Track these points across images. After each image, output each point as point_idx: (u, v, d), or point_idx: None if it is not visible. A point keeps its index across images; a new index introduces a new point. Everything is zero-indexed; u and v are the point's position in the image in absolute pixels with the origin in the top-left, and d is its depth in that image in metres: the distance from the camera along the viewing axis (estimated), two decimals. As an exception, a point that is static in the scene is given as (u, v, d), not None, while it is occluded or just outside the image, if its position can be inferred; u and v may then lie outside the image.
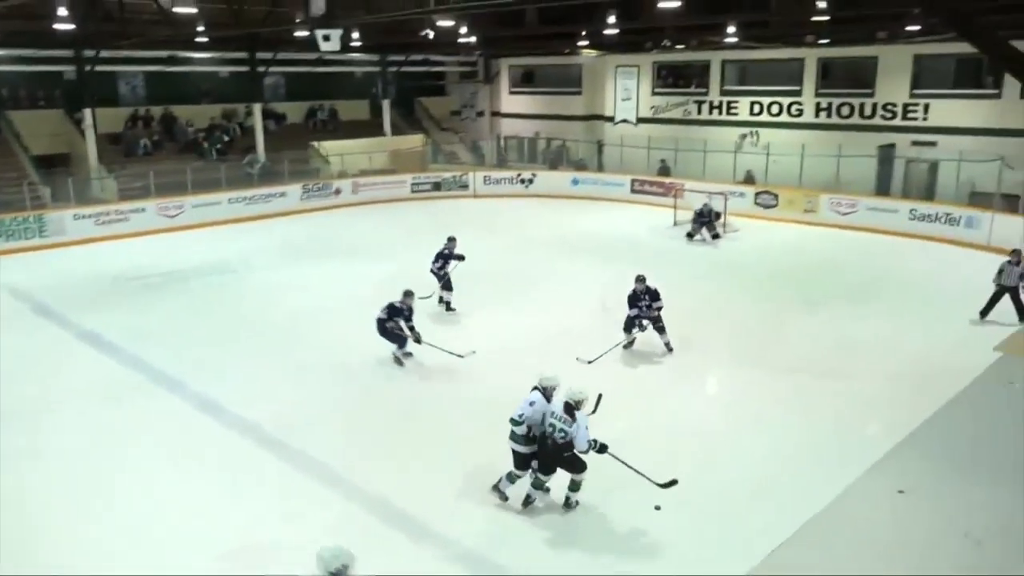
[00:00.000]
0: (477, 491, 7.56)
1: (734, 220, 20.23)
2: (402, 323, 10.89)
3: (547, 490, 7.36)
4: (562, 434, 6.90)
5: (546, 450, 7.04)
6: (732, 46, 23.27)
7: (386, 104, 28.83)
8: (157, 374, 10.75)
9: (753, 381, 10.43)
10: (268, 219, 22.12)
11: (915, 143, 21.38)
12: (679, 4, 15.13)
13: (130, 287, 15.46)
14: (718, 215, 19.23)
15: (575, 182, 25.77)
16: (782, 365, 10.85)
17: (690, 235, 19.15)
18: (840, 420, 9.07)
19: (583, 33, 22.88)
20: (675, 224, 20.48)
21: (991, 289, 12.55)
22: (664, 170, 25.04)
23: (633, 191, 24.57)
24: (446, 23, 18.79)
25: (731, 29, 19.38)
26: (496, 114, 31.91)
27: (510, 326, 12.68)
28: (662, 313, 11.36)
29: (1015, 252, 12.48)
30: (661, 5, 15.11)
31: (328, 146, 26.45)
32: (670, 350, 11.44)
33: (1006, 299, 12.35)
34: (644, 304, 11.29)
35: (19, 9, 15.15)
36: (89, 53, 21.32)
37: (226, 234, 20.22)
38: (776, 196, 21.81)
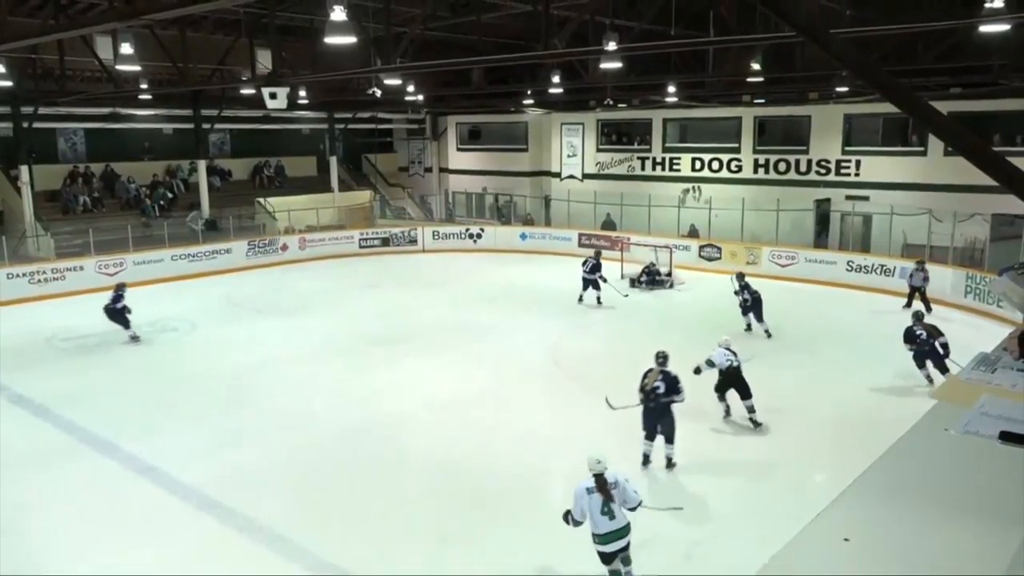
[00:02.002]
0: (420, 551, 7.39)
1: (679, 272, 20.61)
2: None
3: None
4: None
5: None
6: (673, 105, 24.05)
7: (333, 160, 28.89)
8: (91, 437, 10.33)
9: (696, 430, 10.50)
10: (213, 276, 21.73)
11: (849, 197, 22.23)
12: (620, 65, 15.60)
13: (65, 348, 14.95)
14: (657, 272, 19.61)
15: (523, 237, 26.03)
16: (724, 414, 10.98)
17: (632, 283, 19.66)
18: (782, 469, 9.20)
19: (528, 92, 23.39)
20: (622, 277, 20.75)
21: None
22: (609, 224, 25.47)
23: (580, 245, 24.89)
24: (393, 82, 19.01)
25: (671, 89, 20.04)
26: (444, 170, 32.22)
27: (454, 380, 12.61)
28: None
29: (919, 261, 16.83)
30: (603, 66, 15.55)
31: (275, 202, 26.27)
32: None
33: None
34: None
35: (-46, 65, 14.88)
36: (27, 110, 20.95)
37: (169, 292, 19.76)
38: (719, 249, 22.33)
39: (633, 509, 6.41)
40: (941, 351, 11.55)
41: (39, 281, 19.19)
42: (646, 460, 9.31)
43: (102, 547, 7.59)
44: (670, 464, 9.26)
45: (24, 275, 19.05)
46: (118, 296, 15.26)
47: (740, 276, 15.54)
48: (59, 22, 15.16)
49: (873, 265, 19.60)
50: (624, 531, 6.35)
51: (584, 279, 17.94)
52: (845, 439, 9.72)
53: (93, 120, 23.95)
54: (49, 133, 24.31)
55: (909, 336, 12.15)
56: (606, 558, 6.36)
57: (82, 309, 17.95)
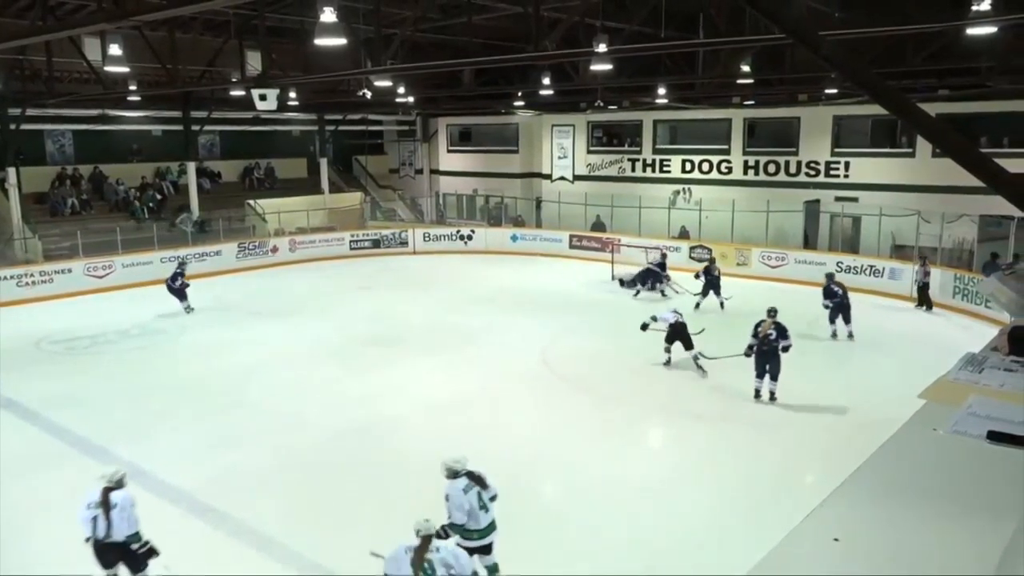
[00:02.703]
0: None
1: (670, 274, 20.61)
2: None
3: None
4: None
5: None
6: (663, 106, 24.09)
7: (324, 162, 28.81)
8: (81, 441, 10.27)
9: (686, 432, 10.57)
10: (203, 278, 21.60)
11: (838, 199, 22.33)
12: (611, 67, 15.64)
13: (54, 351, 14.85)
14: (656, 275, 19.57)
15: (514, 238, 26.04)
16: (714, 415, 11.02)
17: (631, 285, 19.60)
18: (779, 470, 9.24)
19: (519, 94, 23.41)
20: (613, 279, 20.77)
21: (917, 337, 14.45)
22: (599, 226, 25.51)
23: (571, 247, 24.92)
24: (383, 83, 18.99)
25: (661, 90, 20.10)
26: (435, 172, 32.18)
27: (446, 382, 12.60)
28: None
29: (922, 258, 17.38)
30: (594, 67, 15.58)
31: (265, 204, 26.18)
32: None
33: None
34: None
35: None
36: (14, 111, 20.81)
37: (158, 294, 19.65)
38: (710, 250, 22.38)
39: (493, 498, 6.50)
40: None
41: (27, 284, 19.07)
42: (757, 394, 11.47)
43: (88, 552, 7.53)
44: (772, 397, 11.37)
45: (12, 278, 18.93)
46: (176, 274, 17.59)
47: (830, 276, 15.79)
48: (47, 23, 15.06)
49: (862, 266, 19.69)
50: (494, 525, 6.51)
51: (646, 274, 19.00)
52: (835, 440, 9.77)
53: (81, 122, 23.80)
54: (37, 135, 24.15)
55: (828, 293, 14.76)
56: (486, 549, 6.44)
57: (71, 312, 17.88)
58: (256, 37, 18.04)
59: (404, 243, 26.12)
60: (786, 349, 11.32)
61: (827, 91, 19.66)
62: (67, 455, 9.91)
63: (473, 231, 26.55)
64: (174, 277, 17.56)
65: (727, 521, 7.99)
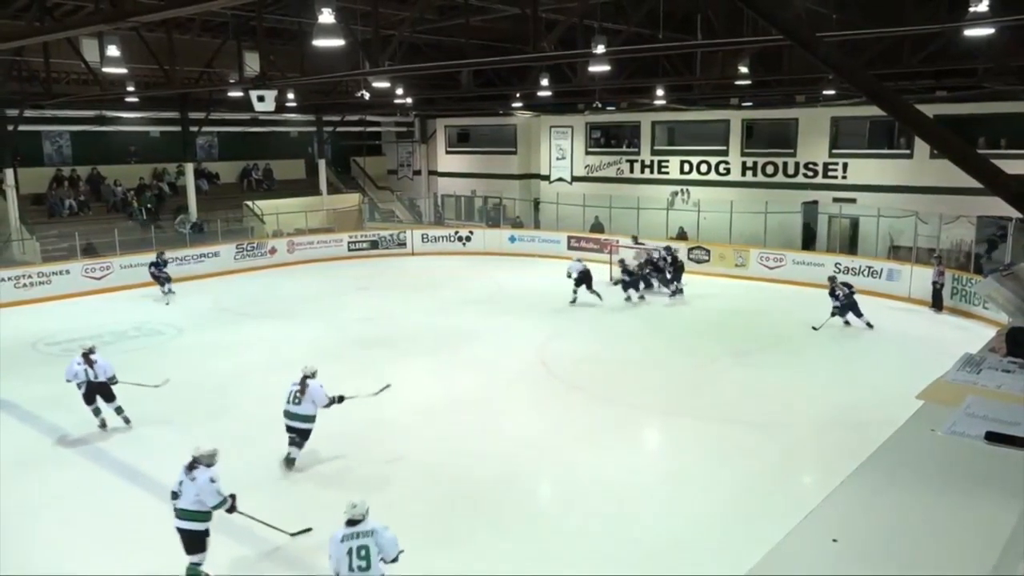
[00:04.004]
0: (406, 555, 7.36)
1: (669, 275, 20.64)
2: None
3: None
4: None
5: None
6: (661, 108, 24.12)
7: (322, 163, 28.80)
8: (77, 443, 10.26)
9: (684, 432, 10.57)
10: (201, 279, 21.62)
11: (836, 200, 22.35)
12: (609, 68, 15.64)
13: (51, 352, 14.81)
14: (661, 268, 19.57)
15: (512, 239, 26.04)
16: (712, 416, 11.03)
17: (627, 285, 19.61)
18: (776, 471, 9.25)
19: (517, 95, 23.41)
20: (611, 280, 20.77)
21: (915, 338, 14.48)
22: (597, 227, 25.51)
23: (570, 248, 24.91)
24: (381, 85, 18.98)
25: (659, 92, 20.11)
26: (433, 173, 32.19)
27: (442, 383, 12.61)
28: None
29: (937, 258, 17.61)
30: (592, 68, 15.59)
31: (263, 205, 26.19)
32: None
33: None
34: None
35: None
36: (12, 112, 20.78)
37: (156, 296, 19.65)
38: (708, 251, 22.41)
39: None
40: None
41: (24, 285, 19.04)
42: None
43: (88, 553, 7.54)
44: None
45: (9, 279, 18.90)
46: (161, 262, 18.97)
47: (832, 279, 16.73)
48: (44, 24, 15.03)
49: (860, 267, 19.70)
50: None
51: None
52: (832, 440, 9.78)
53: (79, 123, 23.78)
54: (34, 136, 24.14)
55: (833, 293, 15.84)
56: None
57: (68, 313, 17.86)
58: (254, 38, 18.05)
59: (402, 244, 26.12)
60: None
61: (825, 92, 19.69)
62: (64, 457, 9.90)
63: (471, 232, 26.55)
64: (160, 264, 19.02)
65: (724, 521, 8.00)
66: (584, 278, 17.76)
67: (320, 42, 9.37)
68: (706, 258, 22.38)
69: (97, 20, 9.44)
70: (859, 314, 15.71)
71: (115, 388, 10.51)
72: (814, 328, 15.65)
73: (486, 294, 19.63)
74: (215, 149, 29.38)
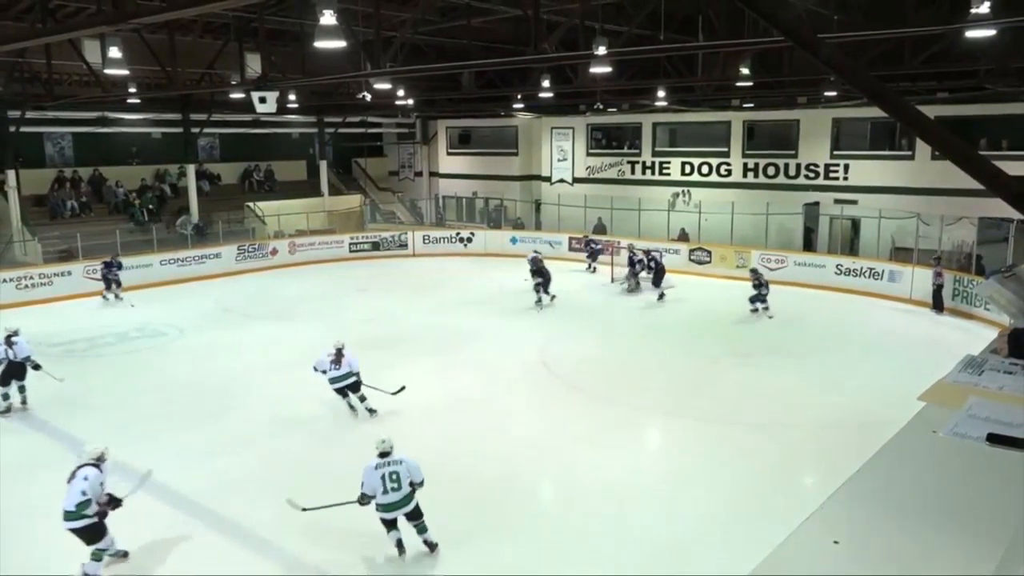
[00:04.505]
0: (408, 555, 7.37)
1: (669, 276, 20.63)
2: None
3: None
4: None
5: None
6: (662, 109, 24.12)
7: (323, 165, 28.81)
8: (80, 443, 10.21)
9: (685, 432, 10.57)
10: (202, 281, 21.63)
11: (837, 201, 22.34)
12: (610, 69, 15.65)
13: (52, 353, 14.79)
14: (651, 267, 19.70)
15: (514, 240, 26.03)
16: (714, 417, 11.02)
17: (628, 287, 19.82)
18: (776, 472, 9.24)
19: (518, 96, 23.43)
20: (612, 280, 20.79)
21: (916, 340, 14.68)
22: (600, 228, 25.51)
23: (571, 249, 24.91)
24: (383, 86, 18.99)
25: (660, 93, 20.12)
26: (434, 174, 32.20)
27: (443, 384, 12.60)
28: None
29: (936, 259, 17.61)
30: (593, 70, 15.60)
31: (264, 206, 26.20)
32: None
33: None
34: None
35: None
36: (14, 114, 20.81)
37: (157, 297, 19.66)
38: (709, 253, 22.40)
39: (421, 483, 7.33)
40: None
41: (26, 287, 19.06)
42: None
43: (86, 553, 7.53)
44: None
45: (11, 280, 18.91)
46: (108, 263, 18.92)
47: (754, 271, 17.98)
48: (46, 26, 15.04)
49: (862, 268, 19.69)
50: (406, 500, 7.26)
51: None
52: (834, 441, 9.77)
53: (81, 124, 23.81)
54: (36, 137, 24.17)
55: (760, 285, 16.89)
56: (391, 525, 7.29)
57: (70, 314, 17.87)
58: (256, 39, 18.07)
59: (404, 245, 26.12)
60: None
61: (826, 94, 19.69)
62: (65, 457, 9.87)
63: (473, 234, 26.55)
64: (113, 266, 19.01)
65: (725, 522, 7.99)
66: (541, 273, 17.78)
67: (321, 43, 9.38)
68: (707, 259, 22.38)
69: (99, 21, 9.45)
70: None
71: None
72: (770, 317, 16.86)
73: (487, 295, 19.62)
74: (216, 150, 29.40)
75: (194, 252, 22.40)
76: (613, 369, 13.56)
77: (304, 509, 7.64)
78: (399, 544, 7.25)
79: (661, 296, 18.78)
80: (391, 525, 7.25)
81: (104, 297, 19.02)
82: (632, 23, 15.26)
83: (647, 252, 20.09)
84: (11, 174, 21.11)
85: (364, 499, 7.24)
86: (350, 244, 25.65)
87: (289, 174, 30.12)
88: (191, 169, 24.79)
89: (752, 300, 17.24)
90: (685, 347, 14.97)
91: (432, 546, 7.35)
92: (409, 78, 19.60)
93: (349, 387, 10.96)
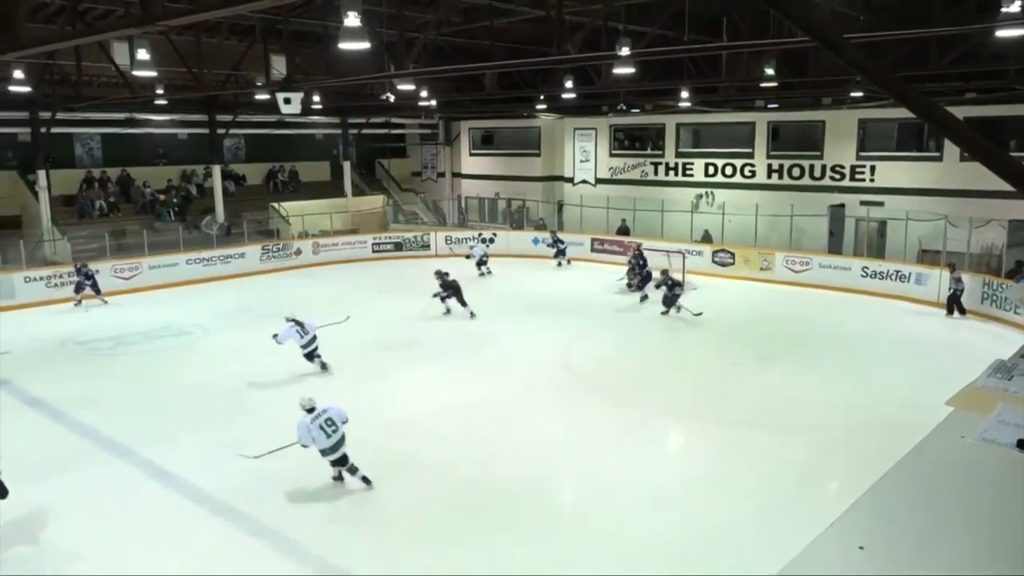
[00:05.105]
0: (426, 555, 7.39)
1: (692, 278, 20.53)
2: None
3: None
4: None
5: None
6: (686, 110, 23.99)
7: (347, 165, 28.99)
8: (106, 441, 10.40)
9: (709, 437, 10.48)
10: (227, 280, 21.84)
11: (864, 203, 22.09)
12: (633, 70, 15.60)
13: (79, 352, 15.05)
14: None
15: (536, 241, 26.01)
16: (738, 421, 10.93)
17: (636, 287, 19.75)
18: (799, 476, 9.15)
19: (541, 97, 23.41)
20: (629, 286, 20.68)
21: (944, 344, 14.49)
22: (623, 229, 25.43)
23: (593, 250, 24.86)
24: (406, 87, 19.07)
25: (684, 94, 20.01)
26: (457, 175, 32.28)
27: (467, 384, 12.61)
28: None
29: (951, 265, 17.12)
30: (616, 71, 15.55)
31: (288, 207, 26.41)
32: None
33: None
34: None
35: (-27, 71, 15.08)
36: (44, 115, 21.16)
37: (183, 296, 19.89)
38: (733, 254, 22.25)
39: (345, 421, 8.69)
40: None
41: (55, 285, 19.35)
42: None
43: (116, 550, 7.65)
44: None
45: (41, 279, 19.22)
46: (90, 273, 18.55)
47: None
48: (76, 28, 15.29)
49: (888, 271, 19.45)
50: (344, 438, 8.58)
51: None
52: (859, 446, 9.66)
53: (109, 125, 24.16)
54: (66, 138, 24.57)
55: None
56: (340, 461, 8.66)
57: (96, 313, 18.12)
58: (280, 41, 18.21)
59: (426, 246, 26.21)
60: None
61: (852, 94, 19.48)
62: (90, 454, 10.04)
63: (495, 234, 26.54)
64: (84, 273, 18.57)
65: (746, 527, 7.92)
66: (449, 286, 17.18)
67: (345, 45, 9.43)
68: (731, 261, 22.23)
69: (127, 24, 9.59)
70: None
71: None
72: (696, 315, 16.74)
73: (508, 296, 19.62)
74: (242, 151, 29.69)
75: (219, 252, 22.63)
76: (634, 371, 13.50)
77: (255, 457, 8.90)
78: (364, 479, 8.66)
79: (644, 298, 18.66)
80: (343, 461, 8.60)
81: (76, 304, 18.58)
82: (656, 24, 15.21)
83: (638, 254, 20.12)
84: (42, 174, 21.48)
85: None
86: (373, 244, 25.79)
87: (313, 175, 30.35)
88: (217, 170, 25.07)
89: (666, 303, 17.08)
90: (707, 349, 14.87)
91: (368, 481, 8.67)
92: (432, 79, 19.67)
93: (315, 349, 12.82)
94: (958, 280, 16.82)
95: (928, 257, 19.60)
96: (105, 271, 20.15)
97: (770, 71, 16.25)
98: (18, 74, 15.48)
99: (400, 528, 8.01)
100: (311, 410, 8.51)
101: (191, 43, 17.50)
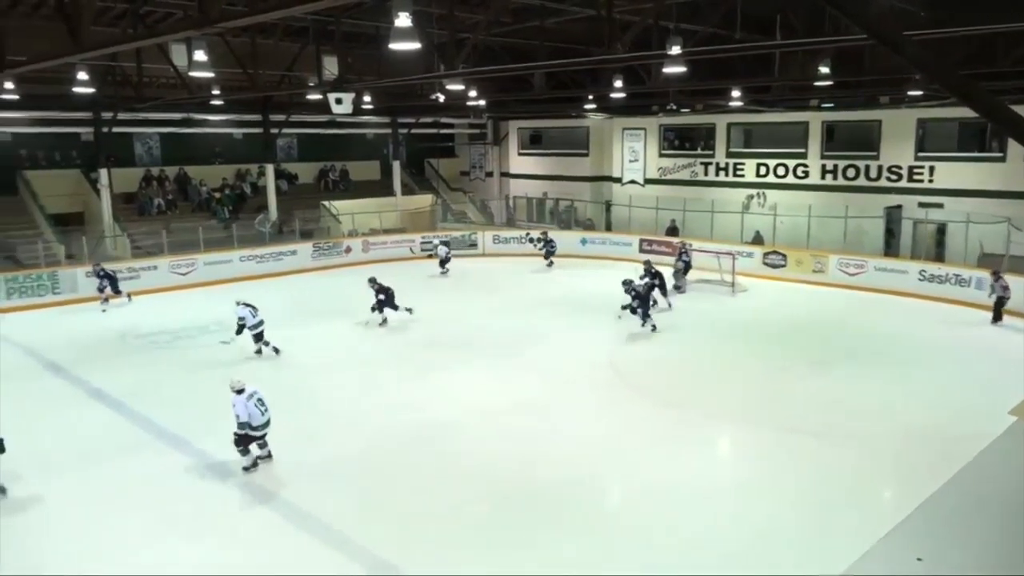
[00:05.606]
0: (471, 553, 7.42)
1: (742, 280, 20.25)
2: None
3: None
4: None
5: None
6: (737, 109, 23.66)
7: (397, 165, 29.27)
8: (163, 432, 10.69)
9: (757, 441, 10.32)
10: (279, 277, 22.25)
11: (922, 204, 21.50)
12: (684, 69, 15.43)
13: (138, 345, 15.48)
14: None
15: (583, 242, 25.93)
16: (788, 425, 10.73)
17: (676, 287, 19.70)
18: (850, 484, 8.94)
19: (590, 97, 23.32)
20: (675, 287, 20.47)
21: (1005, 350, 13.90)
22: (672, 230, 25.20)
23: (641, 251, 24.65)
24: (455, 87, 19.18)
25: (735, 93, 19.73)
26: (505, 174, 32.37)
27: (513, 384, 12.63)
28: None
29: (995, 272, 16.46)
30: (666, 70, 15.41)
31: (339, 205, 26.79)
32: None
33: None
34: None
35: (40, 73, 15.58)
36: (106, 115, 21.84)
37: (236, 292, 20.28)
38: (784, 256, 21.86)
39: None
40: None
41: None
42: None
43: (171, 536, 7.86)
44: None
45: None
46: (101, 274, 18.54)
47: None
48: (137, 31, 15.75)
49: (948, 275, 18.88)
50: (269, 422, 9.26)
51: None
52: (914, 455, 9.42)
53: (167, 125, 24.86)
54: (127, 138, 25.32)
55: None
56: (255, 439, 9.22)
57: (155, 307, 18.62)
58: (333, 42, 18.48)
59: (474, 245, 26.33)
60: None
61: (911, 93, 18.96)
62: (147, 443, 10.32)
63: (543, 234, 26.53)
64: (100, 274, 18.52)
65: (794, 534, 7.78)
66: (383, 291, 16.37)
67: (396, 45, 9.52)
68: (782, 263, 21.85)
69: (186, 26, 9.83)
70: (646, 312, 15.82)
71: None
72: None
73: (556, 296, 19.59)
74: (294, 150, 30.22)
75: (272, 249, 23.09)
76: (682, 373, 13.37)
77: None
78: (255, 462, 9.25)
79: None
80: (261, 443, 9.23)
81: (103, 302, 18.64)
82: (707, 22, 15.03)
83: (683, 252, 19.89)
84: (104, 173, 22.19)
85: (243, 428, 8.96)
86: (421, 243, 25.99)
87: (363, 174, 30.74)
88: (270, 169, 25.57)
89: (639, 312, 15.74)
90: (757, 352, 14.64)
91: (270, 454, 9.42)
92: (481, 79, 19.74)
93: (263, 332, 13.97)
94: (1004, 288, 16.18)
95: (989, 261, 18.97)
96: (163, 267, 20.73)
97: (825, 70, 15.92)
98: (82, 75, 15.98)
99: (446, 527, 8.05)
100: (241, 391, 9.10)
101: (246, 44, 17.90)
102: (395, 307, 16.49)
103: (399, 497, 8.74)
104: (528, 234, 25.21)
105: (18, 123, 22.17)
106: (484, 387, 12.48)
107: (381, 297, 16.33)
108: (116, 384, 12.67)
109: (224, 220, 24.43)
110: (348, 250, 24.64)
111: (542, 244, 23.92)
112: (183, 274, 21.04)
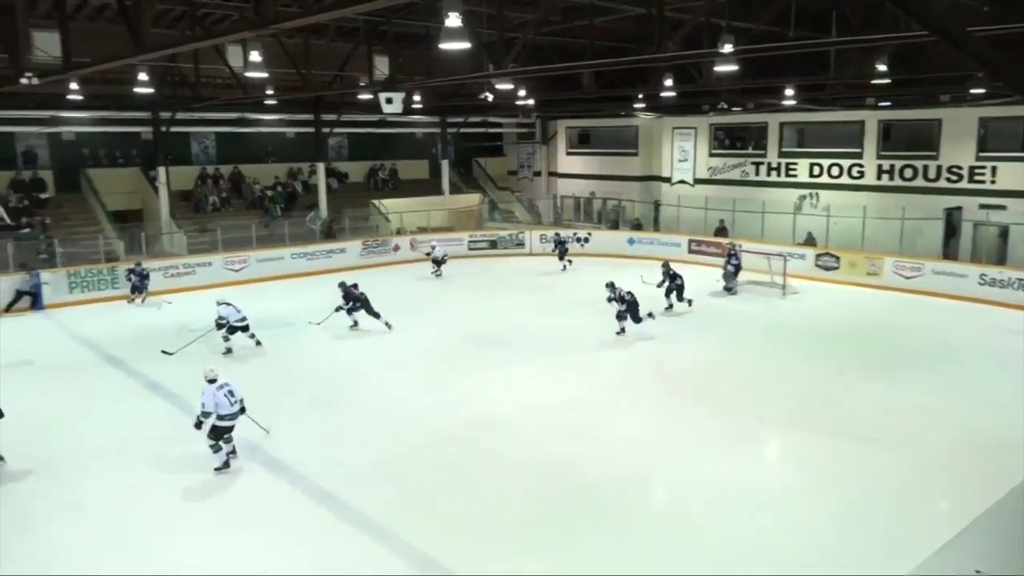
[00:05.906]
0: (517, 552, 7.43)
1: (793, 282, 19.89)
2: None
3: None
4: None
5: None
6: (790, 108, 23.23)
7: (445, 164, 29.46)
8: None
9: (808, 446, 10.13)
10: (329, 274, 22.53)
11: (983, 206, 20.83)
12: (736, 68, 15.20)
13: (192, 339, 15.82)
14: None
15: (631, 241, 25.77)
16: (841, 431, 10.51)
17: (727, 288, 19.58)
18: (904, 492, 8.72)
19: (639, 96, 23.15)
20: (726, 288, 20.20)
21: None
22: (721, 231, 24.87)
23: (691, 251, 24.40)
24: (504, 86, 19.21)
25: (788, 92, 19.37)
26: (553, 174, 32.32)
27: (558, 384, 12.61)
28: None
29: None
30: (718, 68, 15.20)
31: (388, 204, 27.11)
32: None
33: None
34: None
35: (102, 74, 16.08)
36: (165, 115, 22.43)
37: (288, 288, 20.68)
38: (838, 258, 21.41)
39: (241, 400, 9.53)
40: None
41: (172, 275, 20.51)
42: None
43: (220, 528, 8.04)
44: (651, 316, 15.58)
45: (159, 269, 20.38)
46: (135, 272, 18.99)
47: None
48: (195, 33, 16.14)
49: (1010, 279, 18.27)
50: (240, 410, 9.48)
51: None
52: (971, 464, 9.15)
53: (223, 125, 25.42)
54: (183, 137, 25.97)
55: (616, 296, 15.31)
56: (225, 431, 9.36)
57: (209, 302, 19.00)
58: (384, 42, 18.68)
59: (521, 244, 26.37)
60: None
61: (972, 91, 18.38)
62: (188, 438, 10.56)
63: (590, 234, 26.47)
64: (138, 274, 19.01)
65: (846, 543, 7.61)
66: (351, 297, 15.89)
67: (446, 45, 9.58)
68: (835, 265, 21.40)
69: (242, 27, 10.03)
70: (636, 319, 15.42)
71: None
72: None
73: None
74: (345, 150, 30.64)
75: (322, 247, 23.47)
76: (730, 376, 13.18)
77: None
78: (227, 461, 9.31)
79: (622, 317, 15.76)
80: (228, 438, 9.33)
81: (139, 299, 19.06)
82: (760, 20, 14.79)
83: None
84: (162, 171, 22.81)
85: (205, 416, 9.17)
86: (469, 242, 26.13)
87: (412, 173, 31.01)
88: (321, 167, 25.98)
89: (627, 317, 15.39)
90: (809, 356, 14.37)
91: (234, 450, 9.46)
92: (530, 78, 19.74)
93: (247, 325, 14.43)
94: None
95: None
96: (217, 263, 21.22)
97: (883, 67, 15.53)
98: (142, 76, 16.44)
99: (493, 526, 8.08)
100: (213, 380, 9.27)
101: (300, 45, 18.21)
102: (375, 315, 15.90)
103: (445, 495, 8.80)
104: (543, 235, 25.64)
105: (82, 123, 22.91)
106: (531, 385, 12.49)
107: (347, 304, 15.86)
108: (174, 377, 12.97)
109: (276, 218, 24.90)
110: (396, 248, 24.89)
111: (554, 246, 24.03)
112: (236, 270, 21.50)
